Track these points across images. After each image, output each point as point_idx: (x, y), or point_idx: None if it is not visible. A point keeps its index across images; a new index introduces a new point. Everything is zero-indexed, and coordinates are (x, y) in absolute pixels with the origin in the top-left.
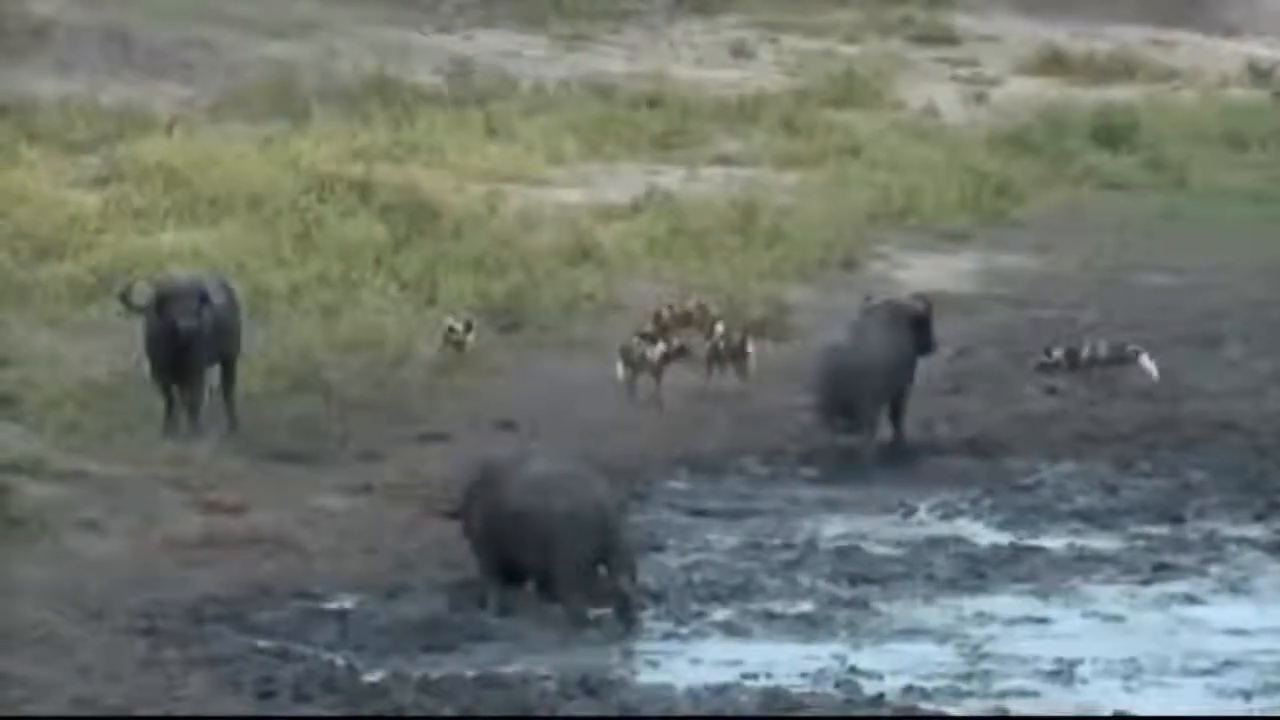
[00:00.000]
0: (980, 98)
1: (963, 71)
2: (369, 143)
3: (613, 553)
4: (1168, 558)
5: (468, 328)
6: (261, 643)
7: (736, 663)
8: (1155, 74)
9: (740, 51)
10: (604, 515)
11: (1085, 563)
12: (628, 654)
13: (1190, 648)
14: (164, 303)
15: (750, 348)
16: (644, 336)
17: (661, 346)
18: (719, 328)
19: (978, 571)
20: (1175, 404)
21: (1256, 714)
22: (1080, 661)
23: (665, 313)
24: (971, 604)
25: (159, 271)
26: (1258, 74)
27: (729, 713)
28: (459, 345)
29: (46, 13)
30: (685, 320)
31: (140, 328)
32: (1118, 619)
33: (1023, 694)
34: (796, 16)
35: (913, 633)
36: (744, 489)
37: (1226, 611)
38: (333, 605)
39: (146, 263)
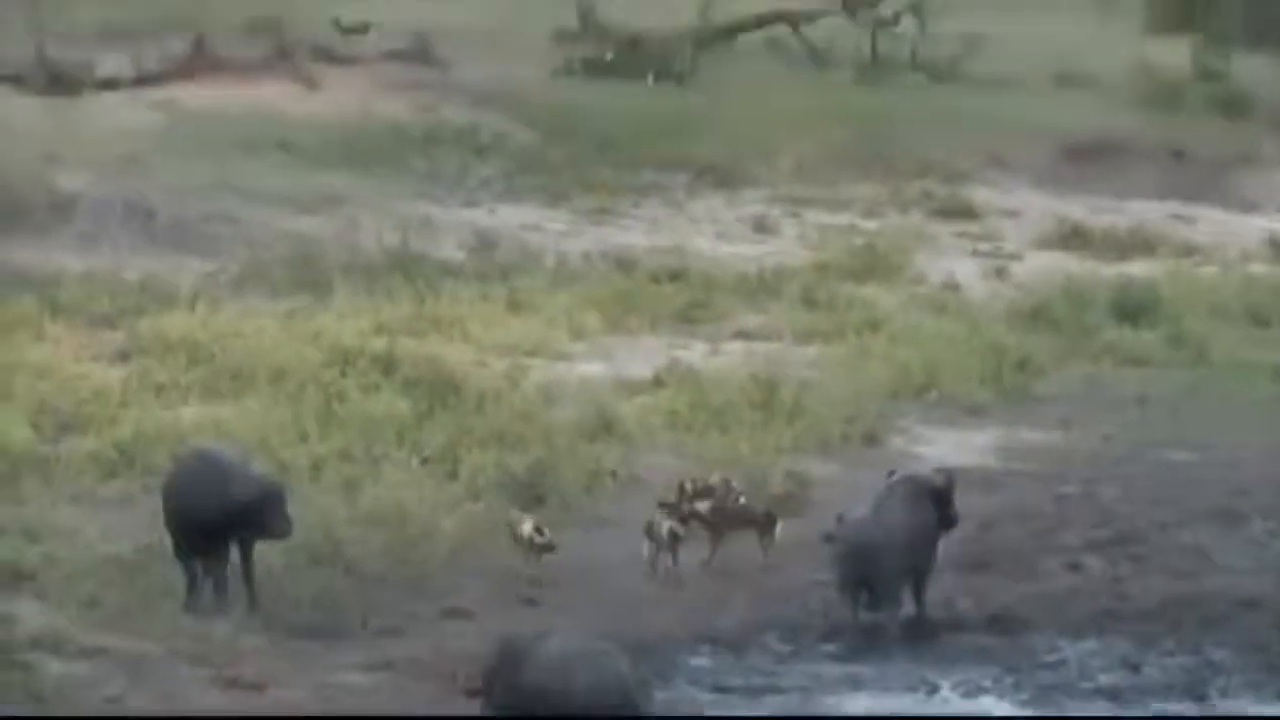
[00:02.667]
0: (1001, 272)
1: (983, 246)
2: (392, 317)
3: None
4: None
5: (540, 532)
6: None
7: None
8: (1176, 249)
9: (762, 226)
10: (626, 693)
11: None
12: None
13: None
14: (197, 479)
15: (777, 523)
16: (664, 506)
17: (671, 522)
18: (742, 501)
19: None
20: (1198, 581)
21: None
22: None
23: (689, 486)
24: None
25: (181, 446)
26: (1278, 250)
27: None
28: (544, 549)
29: (71, 187)
30: (708, 494)
31: (162, 502)
32: None
33: None
34: (817, 191)
35: None
36: (766, 666)
37: None
38: None
39: (168, 437)
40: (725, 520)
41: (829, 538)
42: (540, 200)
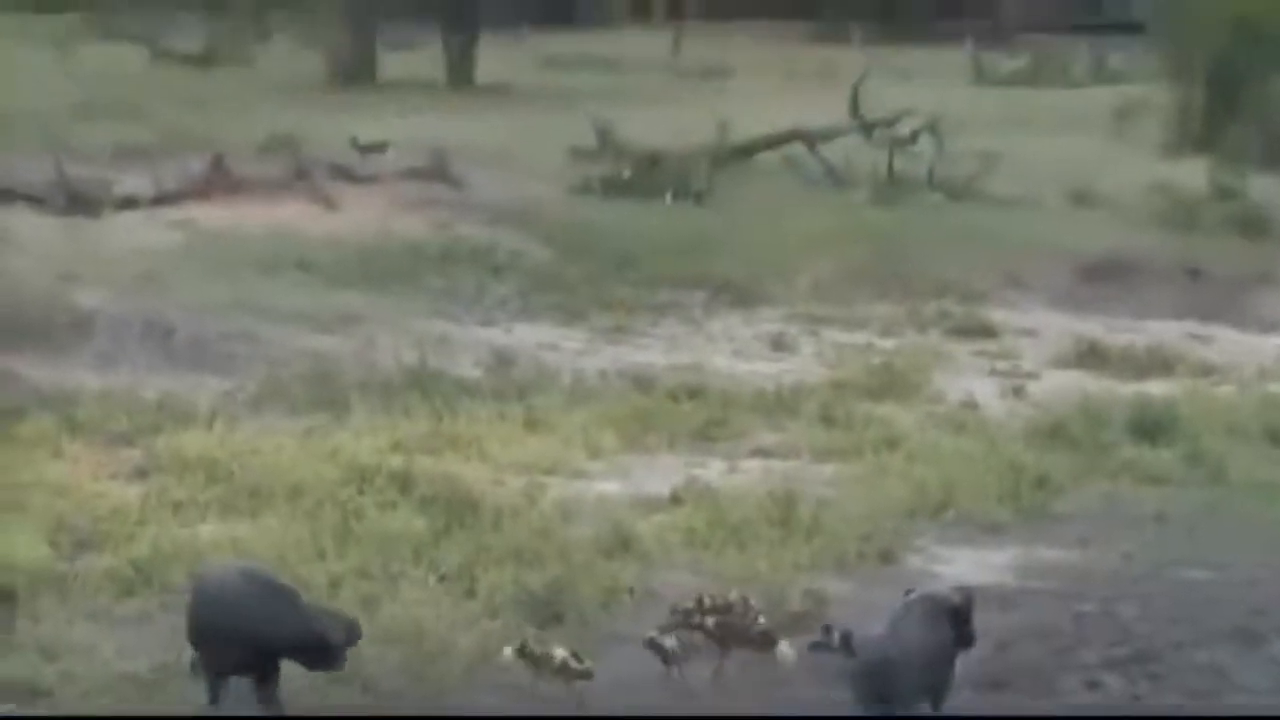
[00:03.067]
0: (1018, 391)
1: (1001, 365)
2: (409, 435)
3: None
4: None
5: (577, 659)
6: None
7: None
8: (1193, 368)
9: (779, 344)
10: None
11: None
12: None
13: None
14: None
15: (783, 643)
16: (676, 613)
17: (673, 639)
18: (761, 621)
19: None
20: (1216, 700)
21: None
22: None
23: (707, 600)
24: None
25: (199, 563)
26: None
27: None
28: (580, 675)
29: (89, 305)
30: (725, 611)
31: (186, 619)
32: None
33: None
34: (835, 310)
35: None
36: None
37: None
38: None
39: (186, 555)
40: (730, 635)
41: (815, 646)
42: (557, 319)
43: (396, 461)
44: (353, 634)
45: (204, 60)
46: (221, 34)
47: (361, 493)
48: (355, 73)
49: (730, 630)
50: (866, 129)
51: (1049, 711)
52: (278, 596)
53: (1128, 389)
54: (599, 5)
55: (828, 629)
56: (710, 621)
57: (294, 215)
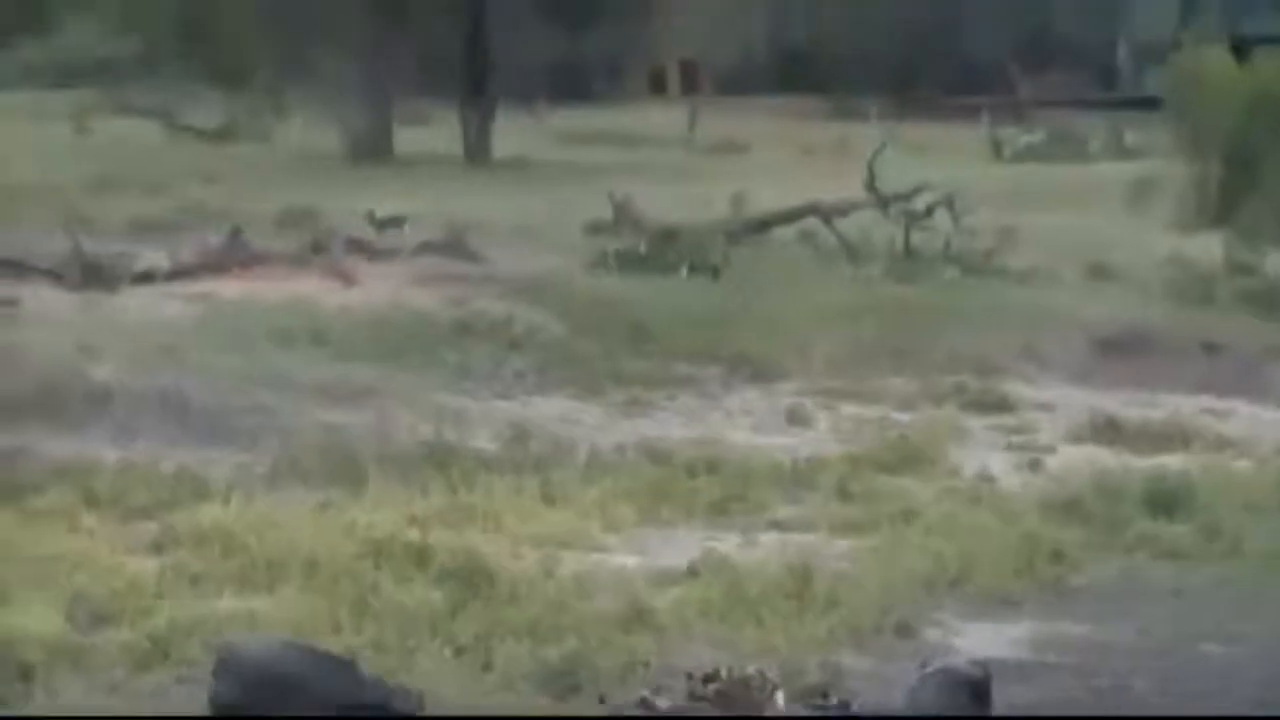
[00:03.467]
0: (1034, 465)
1: (1017, 439)
2: (426, 509)
3: None
4: None
5: None
6: None
7: None
8: (1209, 443)
9: (796, 419)
10: None
11: None
12: None
13: None
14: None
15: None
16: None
17: (667, 700)
18: (779, 696)
19: None
20: None
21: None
22: None
23: (724, 673)
24: None
25: (216, 637)
26: None
27: None
28: None
29: (107, 380)
30: (744, 685)
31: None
32: None
33: None
34: (851, 384)
35: None
36: None
37: None
38: None
39: (202, 629)
40: (729, 706)
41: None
42: (574, 392)
43: (413, 535)
44: (417, 702)
45: (221, 135)
46: (238, 109)
47: (378, 566)
48: (372, 148)
49: (729, 701)
50: (883, 203)
51: None
52: (336, 666)
53: (1144, 463)
54: (615, 81)
55: (824, 694)
56: (711, 690)
57: (311, 289)
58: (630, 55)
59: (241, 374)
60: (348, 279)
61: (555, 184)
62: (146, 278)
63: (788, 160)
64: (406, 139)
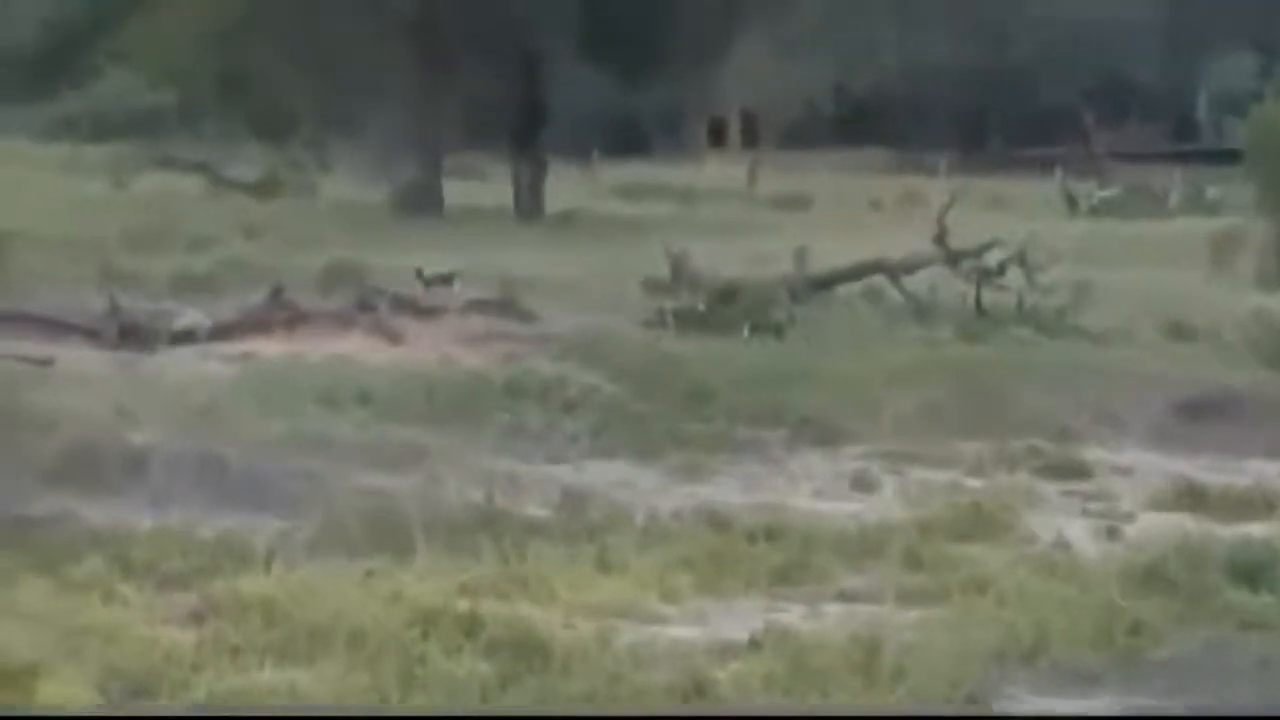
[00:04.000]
0: (1113, 532)
1: (1094, 505)
2: (475, 577)
3: None
4: None
5: None
6: None
7: None
8: None
9: (862, 483)
10: None
11: None
12: None
13: None
14: None
15: None
16: None
17: None
18: None
19: None
20: None
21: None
22: None
23: None
24: None
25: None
26: None
27: None
28: None
29: (144, 443)
30: None
31: None
32: None
33: None
34: (920, 448)
35: None
36: None
37: None
38: None
39: (243, 702)
40: None
41: None
42: (630, 456)
43: (462, 605)
44: None
45: (263, 189)
46: (280, 163)
47: (425, 637)
48: (420, 202)
49: None
50: (952, 260)
51: None
52: None
53: (1228, 531)
54: (672, 133)
55: None
56: None
57: (356, 348)
58: (688, 106)
59: (283, 436)
60: (394, 338)
61: (610, 239)
62: (186, 337)
63: (853, 215)
64: (456, 193)
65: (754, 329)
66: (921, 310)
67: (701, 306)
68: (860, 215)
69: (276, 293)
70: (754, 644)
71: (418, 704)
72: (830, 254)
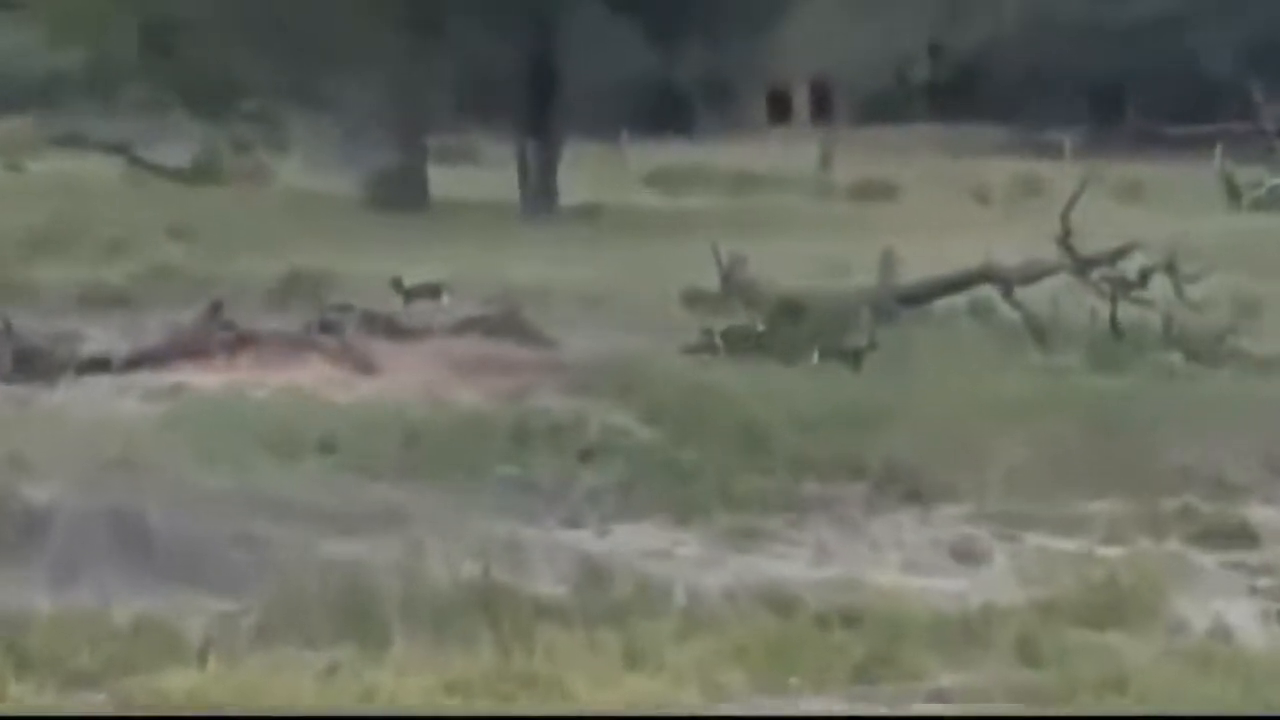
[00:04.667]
0: None
1: (1263, 581)
2: (469, 673)
3: None
4: None
5: None
6: None
7: None
8: None
9: (965, 553)
10: None
11: None
12: None
13: None
14: None
15: None
16: None
17: None
18: None
19: None
20: None
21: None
22: None
23: None
24: None
25: None
26: None
27: None
28: None
29: (43, 500)
30: None
31: None
32: None
33: None
34: (1041, 508)
35: None
36: None
37: None
38: None
39: None
40: None
41: None
42: (667, 518)
43: (452, 707)
44: None
45: (198, 176)
46: (222, 141)
47: None
48: (400, 193)
49: None
50: (1082, 267)
51: None
52: None
53: None
54: (722, 107)
55: None
56: None
57: (317, 380)
58: (743, 74)
59: (223, 493)
60: (366, 367)
61: (642, 241)
62: (98, 366)
63: (953, 208)
64: (446, 181)
65: (825, 355)
66: (1041, 331)
67: (759, 326)
68: (963, 209)
69: (215, 309)
70: None
71: None
72: (924, 259)
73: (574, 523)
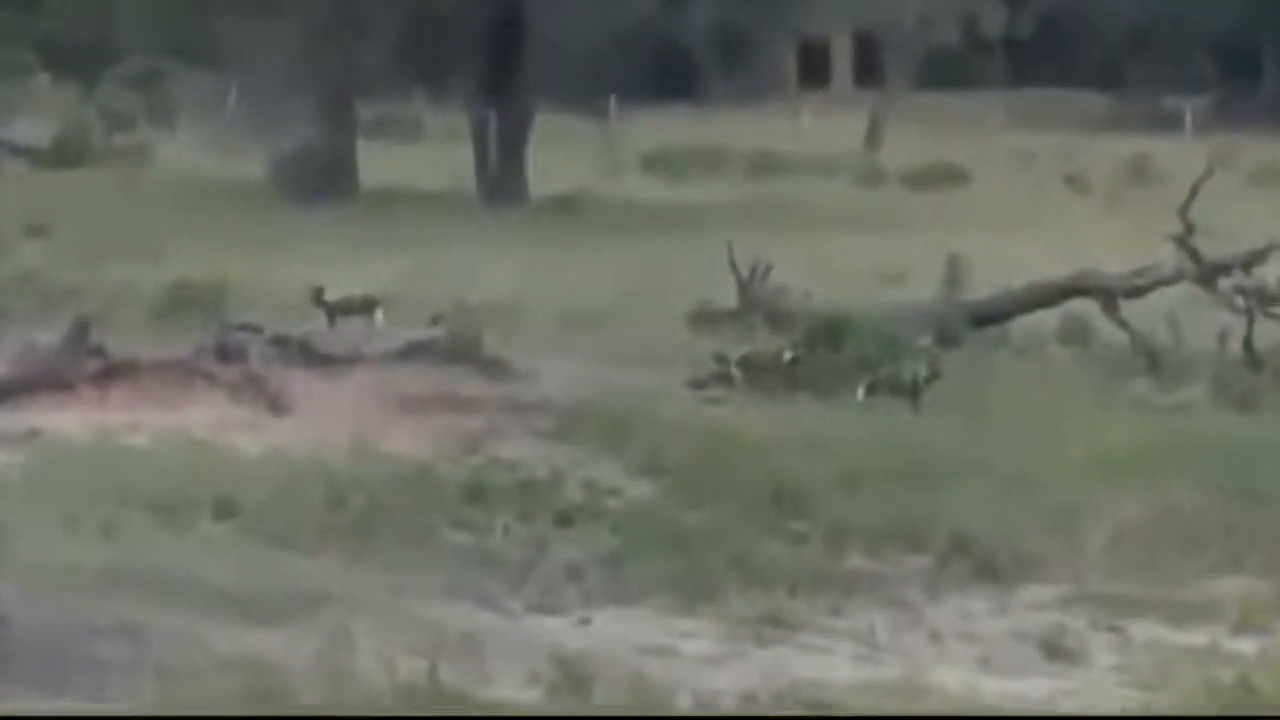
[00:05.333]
0: None
1: None
2: None
3: None
4: None
5: None
6: None
7: None
8: None
9: (1056, 647)
10: None
11: None
12: None
13: None
14: None
15: None
16: None
17: None
18: None
19: None
20: None
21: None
22: None
23: None
24: None
25: None
26: None
27: None
28: None
29: None
30: None
31: None
32: None
33: None
34: (1154, 589)
35: None
36: None
37: None
38: None
39: None
40: None
41: None
42: (669, 602)
43: None
44: None
45: (62, 157)
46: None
47: None
48: (322, 178)
49: None
50: (1207, 275)
51: None
52: None
53: None
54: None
55: None
56: None
57: (214, 423)
58: (767, 25)
59: (92, 569)
60: (278, 406)
61: (637, 242)
62: None
63: (1038, 199)
64: (381, 162)
65: (875, 390)
66: (1155, 357)
67: (789, 353)
68: (1051, 199)
69: (80, 329)
70: None
71: None
72: (1001, 265)
73: (547, 608)
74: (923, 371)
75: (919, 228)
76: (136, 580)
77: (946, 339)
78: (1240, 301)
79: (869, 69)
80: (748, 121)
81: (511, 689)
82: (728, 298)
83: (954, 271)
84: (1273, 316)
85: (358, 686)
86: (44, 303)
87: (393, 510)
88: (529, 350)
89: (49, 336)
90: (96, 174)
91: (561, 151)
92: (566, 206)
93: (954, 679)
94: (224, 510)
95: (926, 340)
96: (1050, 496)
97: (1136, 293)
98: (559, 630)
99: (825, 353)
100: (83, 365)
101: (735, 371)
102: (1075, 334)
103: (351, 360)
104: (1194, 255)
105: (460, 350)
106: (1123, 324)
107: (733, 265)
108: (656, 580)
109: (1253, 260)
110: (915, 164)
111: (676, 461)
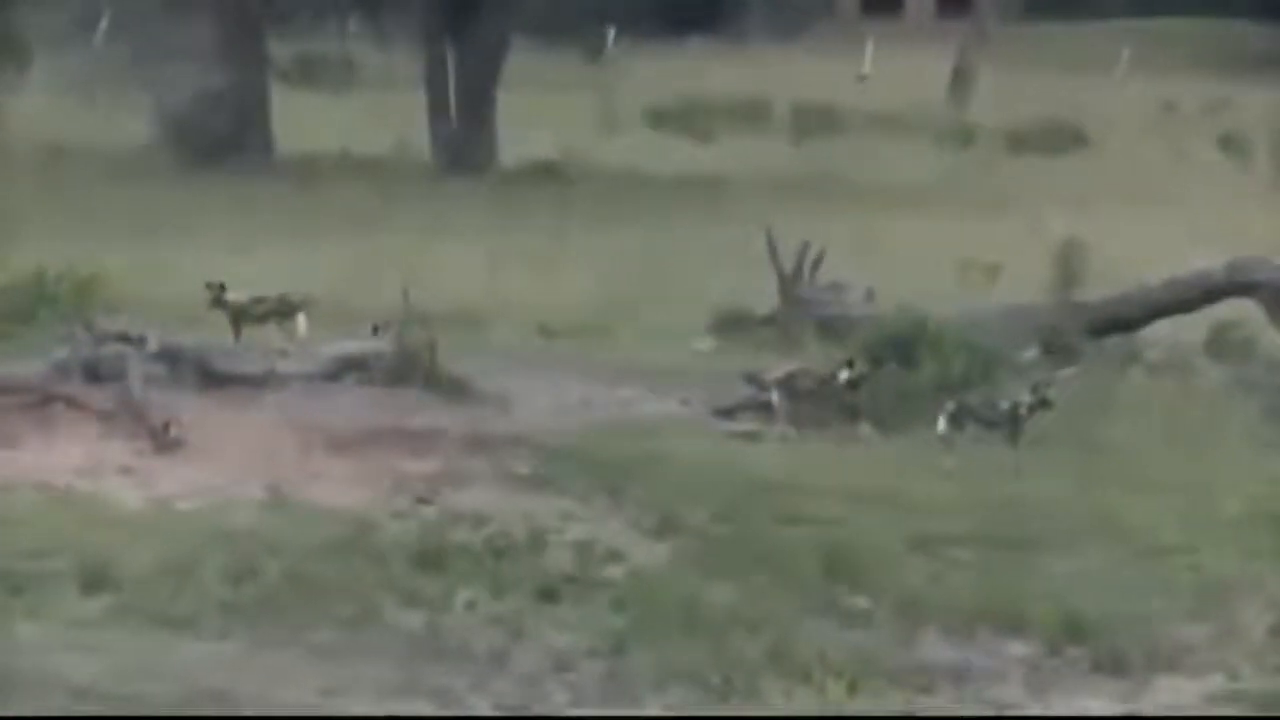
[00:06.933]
0: None
1: None
2: None
3: None
4: None
5: None
6: None
7: None
8: None
9: None
10: None
11: None
12: None
13: None
14: None
15: None
16: None
17: None
18: None
19: None
20: None
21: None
22: None
23: None
24: None
25: None
26: None
27: None
28: None
29: None
30: None
31: None
32: None
33: None
34: None
35: None
36: None
37: None
38: None
39: None
40: None
41: None
42: (686, 701)
43: None
44: None
45: None
46: None
47: None
48: (225, 137)
49: None
50: None
51: None
52: None
53: None
54: None
55: None
56: None
57: (77, 466)
58: None
59: None
60: (167, 442)
61: (640, 221)
62: None
63: (1177, 165)
64: (304, 117)
65: (960, 421)
66: None
67: (844, 372)
68: (1198, 167)
69: None
70: None
71: None
72: (1131, 254)
73: (525, 710)
74: (1025, 397)
75: (1021, 205)
76: None
77: (1057, 353)
78: None
79: None
80: (792, 63)
81: None
82: (765, 299)
83: (1068, 263)
84: None
85: None
86: None
87: (319, 582)
88: (499, 368)
89: None
90: None
91: (542, 103)
92: (548, 176)
93: None
94: (94, 583)
95: (1030, 355)
96: (1189, 565)
97: None
98: None
99: (893, 372)
100: None
101: (775, 397)
102: (1231, 347)
103: (264, 382)
104: None
105: (409, 368)
106: None
107: (772, 254)
108: (670, 674)
109: None
110: (1016, 120)
111: (697, 517)
